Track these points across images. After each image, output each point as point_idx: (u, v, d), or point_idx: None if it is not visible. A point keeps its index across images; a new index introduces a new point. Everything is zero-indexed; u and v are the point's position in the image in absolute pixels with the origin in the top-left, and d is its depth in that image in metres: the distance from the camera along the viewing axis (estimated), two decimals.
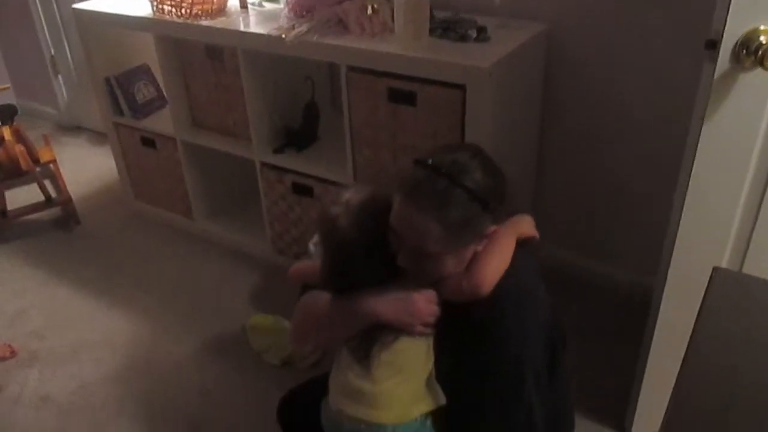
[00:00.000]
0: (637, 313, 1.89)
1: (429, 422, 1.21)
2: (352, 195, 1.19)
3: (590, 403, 1.80)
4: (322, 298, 1.23)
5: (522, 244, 1.22)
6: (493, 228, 1.14)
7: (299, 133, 2.31)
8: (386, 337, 1.16)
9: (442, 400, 1.20)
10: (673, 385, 0.87)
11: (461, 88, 1.72)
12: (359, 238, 1.15)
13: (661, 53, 1.87)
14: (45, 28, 3.52)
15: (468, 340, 1.16)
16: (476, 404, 1.18)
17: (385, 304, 1.15)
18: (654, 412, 1.66)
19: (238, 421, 1.86)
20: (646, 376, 1.61)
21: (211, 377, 2.02)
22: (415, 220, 1.08)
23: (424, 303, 1.15)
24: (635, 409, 1.68)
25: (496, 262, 1.13)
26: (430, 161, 1.09)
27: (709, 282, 0.99)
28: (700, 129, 1.25)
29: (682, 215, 1.36)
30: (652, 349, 1.56)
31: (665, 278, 1.46)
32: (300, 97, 2.30)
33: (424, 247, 1.09)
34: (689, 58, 1.77)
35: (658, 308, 1.50)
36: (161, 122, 2.59)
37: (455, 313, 1.16)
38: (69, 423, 1.89)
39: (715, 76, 1.20)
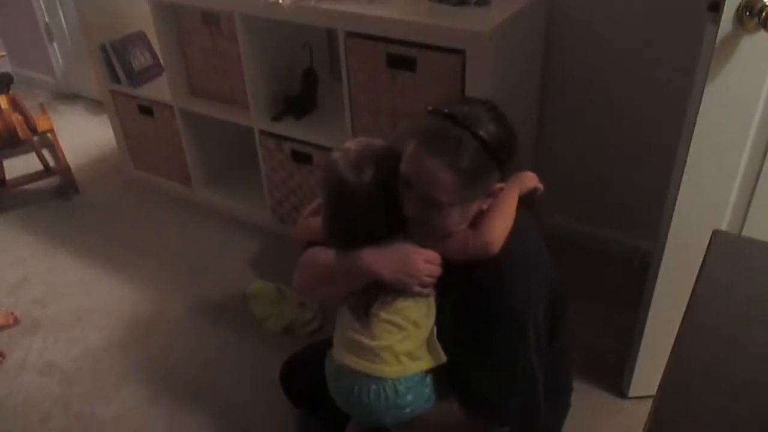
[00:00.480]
0: (635, 278, 1.91)
1: (429, 378, 1.22)
2: (353, 143, 1.19)
3: (588, 367, 1.82)
4: (323, 253, 1.23)
5: (523, 201, 1.21)
6: (499, 185, 1.14)
7: (298, 100, 2.29)
8: (386, 296, 1.16)
9: (443, 358, 1.20)
10: (669, 348, 0.88)
11: (461, 53, 1.70)
12: (361, 185, 1.13)
13: (663, 15, 1.85)
14: None
15: (471, 299, 1.16)
16: (478, 362, 1.19)
17: (383, 263, 1.14)
18: (652, 375, 1.67)
19: (239, 386, 1.89)
20: (644, 339, 1.63)
21: (212, 343, 2.04)
22: (428, 166, 1.07)
23: (424, 263, 1.14)
24: (633, 372, 1.71)
25: (503, 220, 1.13)
26: (445, 110, 1.09)
27: (708, 245, 0.99)
28: (702, 92, 1.24)
29: (683, 178, 1.36)
30: (650, 312, 1.58)
31: (665, 241, 1.46)
32: (298, 63, 2.28)
33: (433, 195, 1.08)
34: (692, 19, 1.75)
35: (657, 271, 1.51)
36: (158, 90, 2.57)
37: (457, 272, 1.16)
38: (73, 388, 1.92)
39: (718, 39, 1.19)
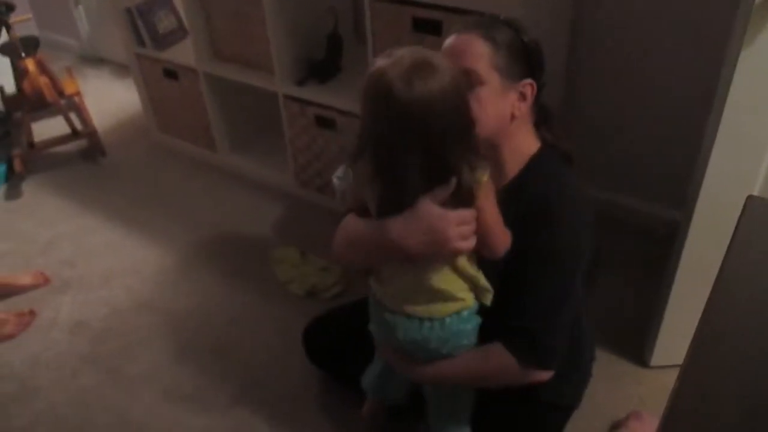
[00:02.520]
0: (657, 248, 1.89)
1: (476, 317, 1.20)
2: (407, 51, 1.02)
3: (609, 336, 1.82)
4: (354, 223, 1.20)
5: (560, 155, 1.26)
6: (530, 84, 1.17)
7: (322, 64, 2.27)
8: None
9: (490, 298, 1.18)
10: (694, 317, 0.87)
11: None
12: (412, 102, 0.98)
13: None
14: None
15: (523, 239, 1.14)
16: (528, 303, 1.19)
17: (411, 237, 1.07)
18: (674, 344, 1.67)
19: (263, 347, 1.92)
20: (667, 308, 1.62)
21: (237, 305, 2.07)
22: (464, 38, 1.14)
23: (454, 229, 1.06)
24: (655, 341, 1.70)
25: (498, 224, 1.12)
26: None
27: (742, 210, 0.97)
28: (738, 55, 1.21)
29: (715, 142, 1.33)
30: (675, 280, 1.56)
31: (693, 207, 1.44)
32: (323, 27, 2.25)
33: (468, 65, 1.11)
34: None
35: (684, 239, 1.49)
36: (183, 54, 2.57)
37: (506, 215, 1.13)
38: (102, 347, 1.97)
39: (756, 1, 1.15)
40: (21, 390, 1.85)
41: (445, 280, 1.13)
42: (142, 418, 1.75)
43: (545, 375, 1.24)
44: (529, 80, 1.17)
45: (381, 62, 1.01)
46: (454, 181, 1.03)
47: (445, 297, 1.14)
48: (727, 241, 0.93)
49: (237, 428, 1.70)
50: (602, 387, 1.66)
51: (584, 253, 1.21)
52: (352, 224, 1.21)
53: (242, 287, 2.14)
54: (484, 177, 1.06)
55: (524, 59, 1.17)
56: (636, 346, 1.79)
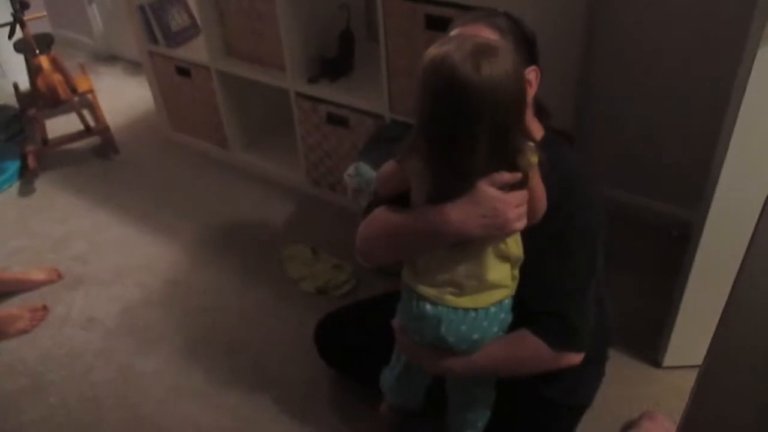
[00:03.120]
0: (673, 248, 1.88)
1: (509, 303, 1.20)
2: (463, 37, 1.05)
3: (622, 336, 1.80)
4: (398, 216, 1.17)
5: (561, 137, 1.28)
6: (534, 70, 1.19)
7: (334, 62, 2.27)
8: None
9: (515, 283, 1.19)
10: (708, 318, 0.86)
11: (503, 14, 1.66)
12: (481, 84, 0.98)
13: None
14: None
15: (547, 222, 1.15)
16: (556, 284, 1.20)
17: (472, 222, 1.07)
18: (688, 345, 1.67)
19: (275, 344, 1.92)
20: (681, 308, 1.60)
21: (249, 302, 2.07)
22: (472, 27, 1.16)
23: (513, 210, 1.07)
24: (669, 342, 1.69)
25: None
26: None
27: (762, 209, 0.95)
28: (755, 53, 1.20)
29: (731, 141, 1.32)
30: (689, 281, 1.55)
31: (709, 207, 1.43)
32: (335, 25, 2.25)
33: None
34: None
35: (699, 239, 1.48)
36: (195, 51, 2.58)
37: None
38: (115, 343, 1.98)
39: None
40: (34, 385, 1.86)
41: (494, 268, 1.14)
42: (154, 414, 1.76)
43: (577, 357, 1.24)
44: (533, 67, 1.19)
45: (439, 48, 1.01)
46: (511, 164, 1.06)
47: (492, 285, 1.14)
48: (742, 242, 0.91)
49: (248, 425, 1.71)
50: (615, 387, 1.65)
51: (601, 230, 1.22)
52: (391, 217, 1.19)
53: (254, 284, 2.14)
54: (535, 158, 1.07)
55: (526, 47, 1.20)
56: (649, 347, 1.78)
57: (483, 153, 1.03)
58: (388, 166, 1.20)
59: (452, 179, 1.08)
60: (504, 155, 1.05)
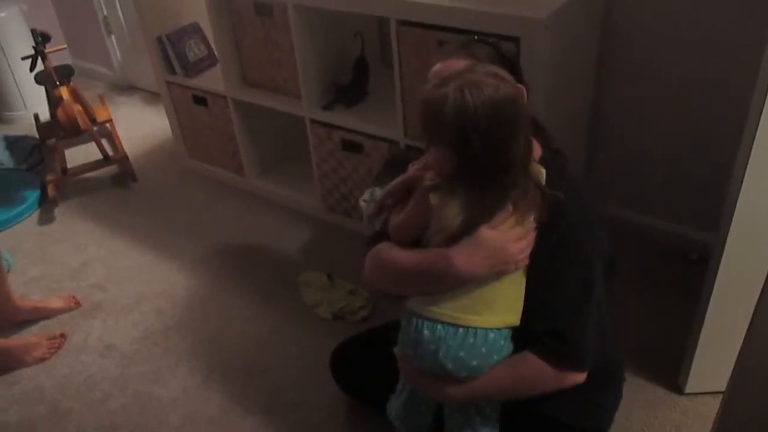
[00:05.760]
0: (693, 271, 1.86)
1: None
2: (452, 75, 1.10)
3: (643, 361, 1.78)
4: (406, 256, 1.20)
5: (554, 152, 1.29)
6: (523, 87, 1.21)
7: (349, 89, 2.30)
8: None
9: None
10: (730, 343, 0.85)
11: (515, 40, 1.67)
12: (507, 97, 1.07)
13: (730, 1, 1.78)
14: None
15: (540, 244, 1.17)
16: (555, 303, 1.20)
17: (478, 263, 1.12)
18: (710, 371, 1.64)
19: (291, 370, 1.92)
20: (702, 334, 1.58)
21: (265, 329, 2.07)
22: (449, 62, 1.22)
23: (516, 247, 1.13)
24: (690, 367, 1.66)
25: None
26: None
27: None
28: None
29: (749, 162, 1.31)
30: (710, 306, 1.53)
31: (728, 230, 1.41)
32: (349, 52, 2.28)
33: None
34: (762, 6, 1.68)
35: (719, 262, 1.46)
36: (212, 80, 2.62)
37: None
38: (132, 370, 1.98)
39: None
40: (51, 413, 1.87)
41: (504, 291, 1.17)
42: None
43: (580, 376, 1.22)
44: (519, 85, 1.21)
45: (439, 90, 1.07)
46: (510, 206, 1.12)
47: (498, 308, 1.16)
48: (763, 265, 0.91)
49: None
50: (636, 414, 1.63)
51: (598, 248, 1.22)
52: (396, 257, 1.22)
53: (270, 310, 2.14)
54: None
55: (507, 68, 1.23)
56: (671, 372, 1.75)
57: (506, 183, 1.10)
58: (406, 207, 1.21)
59: (479, 212, 1.12)
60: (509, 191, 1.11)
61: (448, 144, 1.08)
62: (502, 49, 1.30)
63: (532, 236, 1.15)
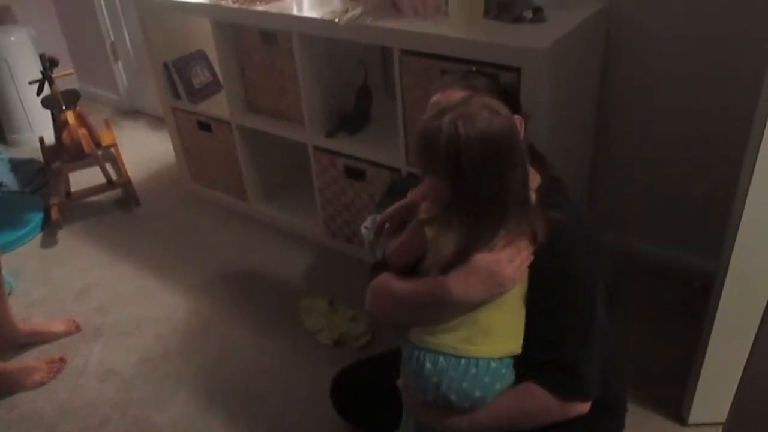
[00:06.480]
0: (695, 299, 1.85)
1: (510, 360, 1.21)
2: (446, 106, 1.13)
3: (646, 391, 1.77)
4: (406, 286, 1.21)
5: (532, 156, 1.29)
6: (518, 118, 1.21)
7: (352, 116, 2.32)
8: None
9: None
10: (732, 373, 0.85)
11: (516, 70, 1.70)
12: (509, 128, 1.10)
13: (730, 28, 1.80)
14: (105, 15, 3.63)
15: (538, 274, 1.17)
16: (556, 334, 1.19)
17: (475, 289, 1.13)
18: (714, 401, 1.63)
19: (291, 396, 1.91)
20: (705, 363, 1.57)
21: (266, 354, 2.07)
22: (448, 93, 1.25)
23: (510, 266, 1.13)
24: (693, 397, 1.65)
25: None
26: None
27: None
28: None
29: (749, 190, 1.32)
30: (712, 335, 1.53)
31: (729, 258, 1.42)
32: (353, 80, 2.31)
33: None
34: (762, 31, 1.70)
35: (721, 291, 1.46)
36: (217, 106, 2.65)
37: None
38: (131, 394, 1.97)
39: None
40: None
41: (501, 318, 1.17)
42: None
43: (584, 406, 1.21)
44: (516, 116, 1.22)
45: (433, 121, 1.10)
46: (503, 232, 1.12)
47: (498, 336, 1.16)
48: (765, 294, 0.91)
49: None
50: None
51: (601, 274, 1.22)
52: (395, 288, 1.23)
53: (271, 336, 2.14)
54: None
55: (504, 100, 1.23)
56: (674, 402, 1.74)
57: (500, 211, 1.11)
58: (402, 236, 1.22)
59: (473, 239, 1.12)
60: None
61: (443, 174, 1.10)
62: (500, 81, 1.34)
63: (525, 254, 1.15)
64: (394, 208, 1.27)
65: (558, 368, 1.18)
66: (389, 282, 1.25)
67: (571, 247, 1.19)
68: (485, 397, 1.18)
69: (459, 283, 1.13)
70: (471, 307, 1.15)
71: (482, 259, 1.13)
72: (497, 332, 1.17)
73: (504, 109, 1.12)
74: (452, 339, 1.16)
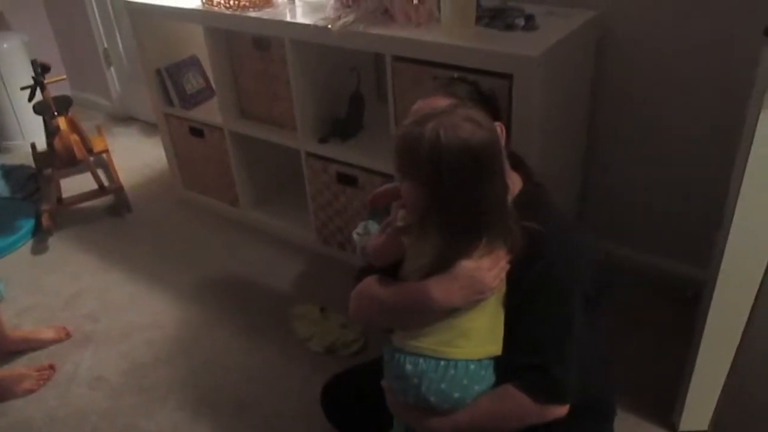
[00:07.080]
0: (687, 308, 1.85)
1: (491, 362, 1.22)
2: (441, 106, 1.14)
3: (637, 399, 1.77)
4: (383, 288, 1.23)
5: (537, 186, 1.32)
6: (498, 126, 1.22)
7: (344, 122, 2.32)
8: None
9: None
10: (722, 380, 0.85)
11: (508, 77, 1.70)
12: (491, 140, 1.10)
13: (720, 38, 1.81)
14: (98, 21, 3.62)
15: (517, 278, 1.19)
16: (536, 338, 1.19)
17: (454, 295, 1.14)
18: (705, 409, 1.63)
19: (282, 404, 1.90)
20: (696, 371, 1.57)
21: (256, 362, 2.06)
22: (429, 101, 1.25)
23: (489, 275, 1.15)
24: (684, 405, 1.65)
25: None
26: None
27: (765, 272, 0.96)
28: (757, 118, 1.21)
29: (738, 200, 1.32)
30: (702, 343, 1.53)
31: (719, 268, 1.42)
32: (345, 87, 2.31)
33: None
34: (751, 44, 1.71)
35: (710, 300, 1.47)
36: (209, 112, 2.64)
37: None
38: (121, 402, 1.96)
39: None
40: None
41: (480, 321, 1.18)
42: None
43: (563, 409, 1.22)
44: (497, 123, 1.22)
45: (416, 127, 1.10)
46: (484, 241, 1.13)
47: (477, 339, 1.17)
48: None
49: None
50: None
51: (580, 280, 1.22)
52: (378, 293, 1.24)
53: (262, 343, 2.13)
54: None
55: (485, 107, 1.24)
56: (665, 410, 1.73)
57: (480, 220, 1.12)
58: (381, 238, 1.23)
59: (452, 250, 1.14)
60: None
61: (421, 180, 1.10)
62: (481, 88, 1.34)
63: (503, 262, 1.17)
64: (386, 187, 1.34)
65: (536, 372, 1.19)
66: (372, 287, 1.25)
67: (551, 252, 1.19)
68: (464, 399, 1.19)
69: (441, 290, 1.14)
70: (451, 311, 1.16)
71: (465, 266, 1.14)
72: (476, 335, 1.18)
73: (487, 122, 1.12)
74: (432, 342, 1.17)
